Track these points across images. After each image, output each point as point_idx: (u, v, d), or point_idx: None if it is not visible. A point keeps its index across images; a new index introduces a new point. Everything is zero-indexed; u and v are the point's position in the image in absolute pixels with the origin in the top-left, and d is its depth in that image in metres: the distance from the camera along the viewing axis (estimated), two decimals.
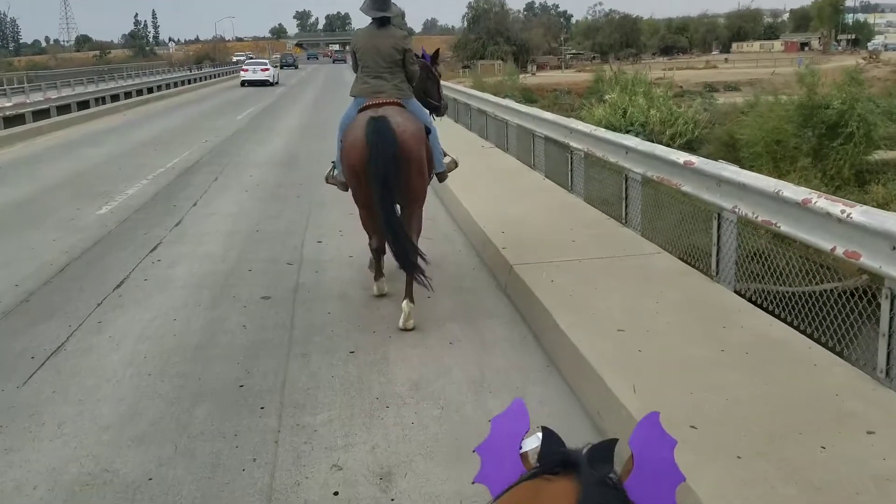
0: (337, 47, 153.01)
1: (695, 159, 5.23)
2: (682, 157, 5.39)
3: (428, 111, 5.82)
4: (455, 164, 6.10)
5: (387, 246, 5.24)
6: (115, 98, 28.70)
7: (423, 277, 4.96)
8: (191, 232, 8.09)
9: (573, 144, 7.88)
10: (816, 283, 4.26)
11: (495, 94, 24.75)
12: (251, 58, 67.43)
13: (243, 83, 43.87)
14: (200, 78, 50.49)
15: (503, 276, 5.85)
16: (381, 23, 5.16)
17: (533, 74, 74.07)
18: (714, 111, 37.14)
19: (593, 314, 4.58)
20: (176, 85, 40.05)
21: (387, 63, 5.12)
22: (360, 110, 5.09)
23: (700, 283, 5.12)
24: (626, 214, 6.63)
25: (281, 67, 68.04)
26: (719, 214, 4.98)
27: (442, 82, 6.50)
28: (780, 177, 20.56)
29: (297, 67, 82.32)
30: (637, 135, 30.64)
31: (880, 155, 22.93)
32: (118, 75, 40.74)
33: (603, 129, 7.24)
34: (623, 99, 35.45)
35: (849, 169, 22.17)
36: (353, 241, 7.45)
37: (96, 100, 26.79)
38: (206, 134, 17.85)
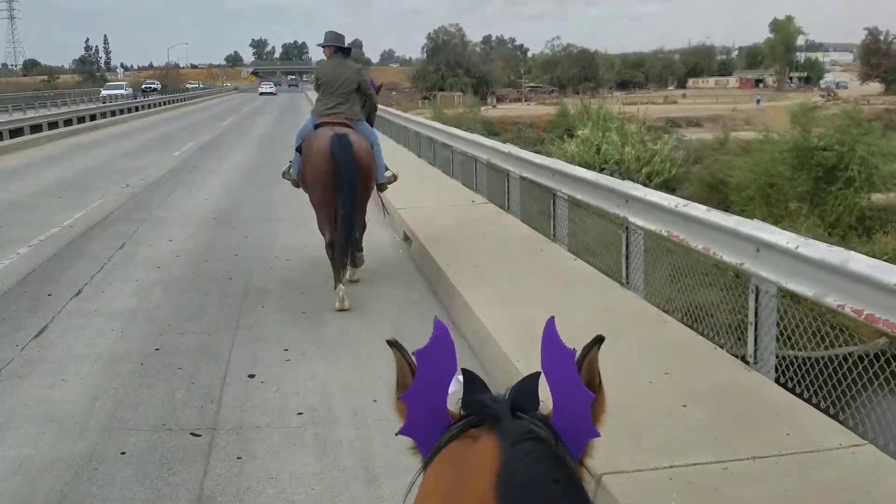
0: (294, 77, 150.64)
1: None
2: None
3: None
4: (395, 177, 7.03)
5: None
6: (36, 129, 25.39)
7: (354, 260, 6.44)
8: (51, 354, 5.22)
9: (636, 222, 5.30)
10: None
11: (457, 126, 22.35)
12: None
13: (261, 94, 78.35)
14: (146, 105, 47.01)
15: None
16: (343, 56, 6.29)
17: (493, 107, 72.62)
18: (686, 148, 35.71)
19: None
20: (114, 114, 36.63)
21: (344, 90, 6.11)
22: (317, 126, 6.07)
23: None
24: (756, 349, 4.05)
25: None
26: None
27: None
28: (776, 222, 18.62)
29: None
30: (612, 173, 28.66)
31: (876, 197, 21.43)
32: (51, 102, 37.15)
33: (701, 207, 4.62)
34: (596, 135, 33.64)
35: (849, 215, 20.58)
36: (306, 374, 4.74)
37: (12, 131, 23.42)
38: (132, 175, 14.88)
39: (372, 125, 6.82)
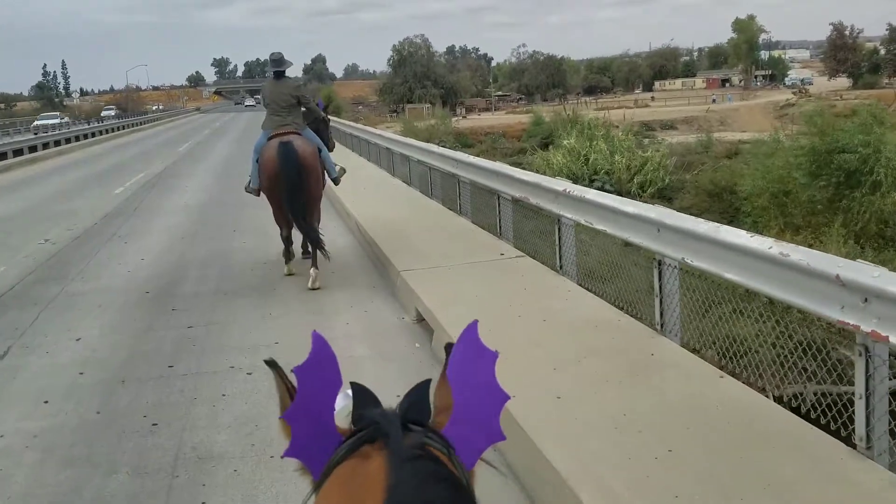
0: (258, 95, 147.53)
1: None
2: None
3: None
4: (343, 171, 8.14)
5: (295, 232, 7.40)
6: None
7: (324, 250, 7.14)
8: None
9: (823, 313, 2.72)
10: None
11: (427, 140, 19.81)
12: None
13: (245, 106, 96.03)
14: (98, 132, 43.66)
15: None
16: (278, 76, 7.37)
17: (463, 117, 70.50)
18: (672, 153, 33.71)
19: None
20: (58, 143, 33.33)
21: (285, 105, 7.24)
22: (270, 138, 7.15)
23: None
24: None
25: (236, 104, 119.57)
26: None
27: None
28: (795, 233, 16.24)
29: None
30: (603, 185, 25.99)
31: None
32: None
33: None
34: (583, 144, 31.37)
35: (876, 223, 18.49)
36: None
37: None
38: (57, 223, 12.02)
39: (326, 141, 7.92)
